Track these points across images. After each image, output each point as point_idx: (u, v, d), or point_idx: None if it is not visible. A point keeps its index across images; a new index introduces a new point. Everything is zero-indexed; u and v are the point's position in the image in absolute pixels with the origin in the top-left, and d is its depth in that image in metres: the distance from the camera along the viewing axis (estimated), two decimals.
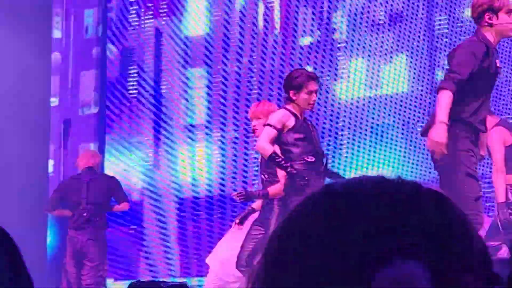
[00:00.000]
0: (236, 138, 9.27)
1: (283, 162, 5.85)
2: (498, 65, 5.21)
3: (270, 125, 5.98)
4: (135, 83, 9.78)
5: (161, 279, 5.74)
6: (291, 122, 6.02)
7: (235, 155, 9.24)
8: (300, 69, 7.22)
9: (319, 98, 9.06)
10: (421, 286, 0.74)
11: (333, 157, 8.73)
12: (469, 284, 0.73)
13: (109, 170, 9.15)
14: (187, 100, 9.64)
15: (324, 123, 8.99)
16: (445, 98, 4.97)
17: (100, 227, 7.60)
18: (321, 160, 6.05)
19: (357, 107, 8.87)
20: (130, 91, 9.82)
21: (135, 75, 9.81)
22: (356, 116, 8.83)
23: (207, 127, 9.47)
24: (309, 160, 5.94)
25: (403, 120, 8.67)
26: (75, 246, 7.48)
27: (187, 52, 9.69)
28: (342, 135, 8.87)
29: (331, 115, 8.99)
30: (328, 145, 8.90)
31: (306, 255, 0.79)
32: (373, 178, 0.84)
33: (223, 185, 9.16)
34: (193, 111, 9.61)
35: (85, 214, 7.48)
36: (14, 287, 0.75)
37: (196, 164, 9.33)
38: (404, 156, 8.48)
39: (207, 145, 9.34)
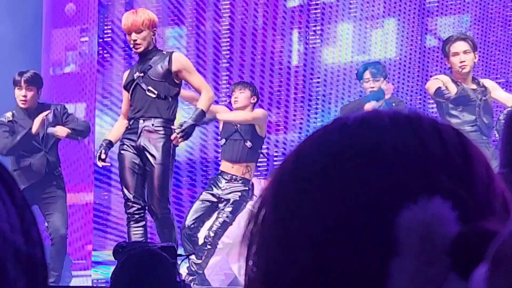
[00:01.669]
0: (216, 102, 9.21)
1: None
2: None
3: None
4: (109, 39, 9.67)
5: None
6: None
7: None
8: None
9: (305, 63, 9.08)
10: (448, 226, 0.69)
11: (322, 122, 8.72)
12: (491, 227, 0.67)
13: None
14: None
15: (310, 88, 8.98)
16: None
17: None
18: None
19: (344, 72, 8.87)
20: (103, 53, 9.70)
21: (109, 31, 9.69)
22: (344, 81, 8.83)
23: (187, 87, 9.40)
24: None
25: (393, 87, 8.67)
26: None
27: (163, 9, 9.58)
28: (329, 100, 8.87)
29: (318, 81, 8.97)
30: (316, 111, 8.89)
31: (321, 197, 0.72)
32: (388, 112, 0.78)
33: (205, 147, 9.12)
34: None
35: None
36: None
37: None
38: None
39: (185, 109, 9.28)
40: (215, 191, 6.91)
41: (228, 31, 9.38)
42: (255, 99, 7.10)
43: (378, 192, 0.71)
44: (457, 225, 0.69)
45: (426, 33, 8.58)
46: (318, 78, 8.99)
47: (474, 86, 6.62)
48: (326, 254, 0.70)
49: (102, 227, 8.97)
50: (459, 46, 6.60)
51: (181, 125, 5.97)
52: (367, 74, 7.06)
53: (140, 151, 5.96)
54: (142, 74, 6.02)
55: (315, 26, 9.04)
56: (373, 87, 7.00)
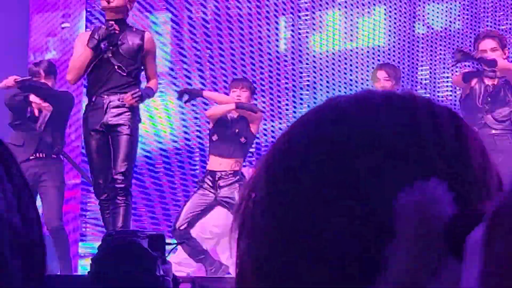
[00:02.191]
0: (203, 85, 9.19)
1: None
2: None
3: None
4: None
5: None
6: None
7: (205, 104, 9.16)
8: None
9: (292, 50, 9.06)
10: (445, 208, 0.68)
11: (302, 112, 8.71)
12: (488, 209, 0.67)
13: None
14: None
15: (300, 76, 8.96)
16: None
17: None
18: None
19: (333, 60, 8.86)
20: None
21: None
22: (333, 70, 8.82)
23: (170, 75, 9.36)
24: None
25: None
26: None
27: None
28: (316, 88, 8.86)
29: (307, 68, 8.96)
30: (303, 99, 8.89)
31: (314, 179, 0.71)
32: (382, 92, 0.77)
33: (187, 133, 9.11)
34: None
35: None
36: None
37: (160, 113, 9.24)
38: None
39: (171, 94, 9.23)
40: (208, 191, 6.92)
41: (213, 18, 9.34)
42: (252, 100, 7.23)
43: (373, 174, 0.70)
44: (453, 206, 0.68)
45: (415, 21, 8.58)
46: (307, 65, 8.98)
47: (495, 81, 6.64)
48: (321, 238, 0.69)
49: (89, 213, 8.96)
50: (487, 44, 6.58)
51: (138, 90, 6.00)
52: (381, 74, 7.03)
53: (108, 128, 5.92)
54: (112, 48, 5.95)
55: (302, 13, 9.02)
56: (383, 87, 6.97)
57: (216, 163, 6.95)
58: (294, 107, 8.97)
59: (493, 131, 6.46)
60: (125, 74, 5.93)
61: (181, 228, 6.80)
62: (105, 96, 5.93)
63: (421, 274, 0.66)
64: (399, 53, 8.59)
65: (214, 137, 7.06)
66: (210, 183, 6.92)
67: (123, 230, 5.53)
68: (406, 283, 0.64)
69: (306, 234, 0.70)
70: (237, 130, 6.97)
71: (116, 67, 5.93)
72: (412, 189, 0.69)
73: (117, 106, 5.94)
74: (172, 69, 9.38)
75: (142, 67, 6.14)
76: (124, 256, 2.83)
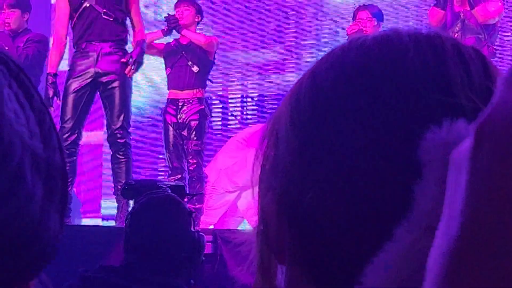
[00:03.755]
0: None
1: None
2: None
3: None
4: None
5: None
6: None
7: None
8: None
9: (308, 1, 8.98)
10: None
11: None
12: None
13: None
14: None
15: (311, 25, 8.90)
16: None
17: None
18: None
19: (352, 8, 8.76)
20: None
21: None
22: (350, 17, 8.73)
23: None
24: None
25: (402, 25, 8.59)
26: None
27: None
28: (335, 40, 8.80)
29: (323, 18, 8.89)
30: (319, 49, 8.83)
31: (340, 118, 0.71)
32: (408, 30, 0.77)
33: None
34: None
35: None
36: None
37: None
38: None
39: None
40: (172, 120, 6.88)
41: None
42: (199, 18, 7.07)
43: (400, 114, 0.70)
44: None
45: None
46: (324, 15, 8.90)
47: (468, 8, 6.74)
48: (347, 177, 0.69)
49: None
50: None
51: (131, 56, 5.94)
52: (363, 14, 7.03)
53: (100, 76, 5.90)
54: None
55: None
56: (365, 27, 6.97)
57: (176, 93, 6.93)
58: (311, 56, 8.91)
59: None
60: (112, 19, 5.90)
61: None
62: (96, 43, 5.89)
63: None
64: (423, 1, 8.49)
65: (167, 71, 7.03)
66: (171, 111, 6.91)
67: (143, 180, 5.57)
68: (432, 221, 0.65)
69: (331, 170, 0.70)
70: (188, 59, 6.92)
71: (102, 14, 5.89)
72: (440, 129, 0.69)
73: (110, 53, 5.91)
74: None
75: (131, 18, 6.10)
76: (164, 213, 2.86)
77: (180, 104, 6.86)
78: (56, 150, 0.70)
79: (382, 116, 0.70)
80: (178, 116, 6.85)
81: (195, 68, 6.89)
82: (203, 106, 6.87)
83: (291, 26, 9.04)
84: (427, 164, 0.68)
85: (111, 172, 6.18)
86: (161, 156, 8.81)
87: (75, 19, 5.96)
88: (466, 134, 0.69)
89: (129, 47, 6.10)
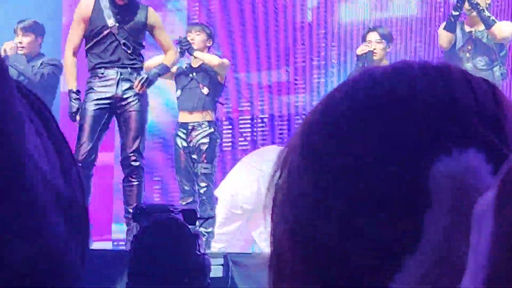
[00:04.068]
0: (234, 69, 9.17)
1: None
2: None
3: None
4: None
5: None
6: None
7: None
8: None
9: (318, 20, 8.99)
10: (482, 179, 0.69)
11: (333, 85, 8.65)
12: None
13: None
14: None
15: (325, 47, 8.91)
16: None
17: None
18: None
19: (362, 30, 8.77)
20: None
21: None
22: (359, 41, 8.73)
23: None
24: None
25: (412, 46, 8.59)
26: None
27: None
28: (344, 61, 8.80)
29: (332, 39, 8.89)
30: (329, 71, 8.83)
31: (351, 148, 0.72)
32: (418, 62, 0.78)
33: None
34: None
35: None
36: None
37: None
38: None
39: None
40: (182, 144, 6.92)
41: None
42: (211, 42, 7.14)
43: (410, 143, 0.71)
44: (492, 177, 0.69)
45: None
46: (334, 36, 8.90)
47: (480, 28, 6.73)
48: (359, 207, 0.70)
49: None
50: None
51: (146, 75, 6.07)
52: (373, 36, 7.06)
53: (118, 100, 5.97)
54: (118, 25, 5.96)
55: None
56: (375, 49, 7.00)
57: (186, 116, 6.97)
58: (320, 77, 8.91)
59: None
60: (130, 51, 5.99)
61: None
62: (115, 69, 5.96)
63: (458, 245, 0.66)
64: (432, 22, 8.48)
65: (178, 93, 7.07)
66: (182, 135, 6.95)
67: (155, 204, 5.59)
68: (443, 253, 0.65)
69: (343, 199, 0.71)
70: (198, 81, 6.96)
71: (123, 45, 5.97)
72: (450, 158, 0.70)
73: (128, 79, 6.00)
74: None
75: (159, 43, 6.24)
76: (168, 235, 2.87)
77: (190, 127, 6.89)
78: (76, 186, 0.70)
79: (392, 147, 0.71)
80: (189, 140, 6.87)
81: (205, 90, 6.92)
82: (213, 130, 6.90)
83: (300, 46, 9.06)
84: (437, 194, 0.69)
85: (121, 192, 6.22)
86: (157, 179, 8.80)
87: (92, 43, 6.02)
88: (476, 164, 0.70)
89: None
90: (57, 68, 7.20)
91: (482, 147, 0.71)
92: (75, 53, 6.06)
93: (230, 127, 9.11)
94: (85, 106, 6.02)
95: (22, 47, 7.14)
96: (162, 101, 9.03)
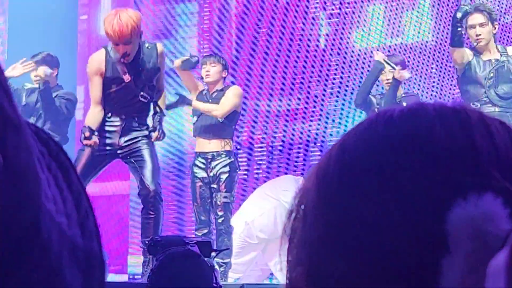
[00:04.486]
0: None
1: None
2: None
3: None
4: None
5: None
6: None
7: None
8: None
9: (332, 47, 8.98)
10: (500, 224, 0.69)
11: (348, 112, 8.65)
12: None
13: None
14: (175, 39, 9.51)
15: (336, 73, 8.89)
16: None
17: None
18: None
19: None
20: None
21: None
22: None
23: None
24: None
25: (427, 73, 8.57)
26: None
27: None
28: (358, 87, 8.76)
29: (343, 66, 8.89)
30: (343, 97, 8.81)
31: (368, 192, 0.73)
32: (434, 104, 0.79)
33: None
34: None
35: None
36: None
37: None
38: None
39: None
40: (201, 174, 6.93)
41: (244, 10, 9.23)
42: (226, 73, 7.13)
43: (427, 188, 0.72)
44: (509, 222, 0.69)
45: None
46: (347, 62, 8.89)
47: (496, 56, 6.65)
48: (375, 250, 0.71)
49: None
50: (476, 19, 6.60)
51: (154, 127, 6.08)
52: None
53: (121, 148, 6.02)
54: (134, 77, 5.98)
55: (344, 7, 8.93)
56: (389, 80, 7.06)
57: (204, 144, 6.99)
58: (335, 106, 8.88)
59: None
60: (147, 101, 6.03)
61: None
62: (123, 117, 6.00)
63: None
64: (447, 48, 8.44)
65: (194, 119, 7.10)
66: (201, 165, 6.97)
67: (169, 236, 5.59)
68: None
69: (359, 245, 0.72)
70: None
71: (140, 97, 6.00)
72: (467, 203, 0.70)
73: (134, 129, 6.04)
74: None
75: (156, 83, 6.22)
76: (184, 268, 2.87)
77: (209, 157, 6.91)
78: (93, 237, 0.71)
79: (410, 190, 0.72)
80: (208, 170, 6.89)
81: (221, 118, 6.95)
82: (232, 159, 6.91)
83: (315, 74, 9.06)
84: (454, 238, 0.69)
85: (137, 222, 6.23)
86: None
87: (108, 91, 6.02)
88: (494, 208, 0.70)
89: None
90: (71, 102, 7.41)
91: (500, 192, 0.71)
92: (99, 104, 6.03)
93: (246, 155, 9.10)
94: (84, 145, 6.05)
95: (37, 81, 7.26)
96: (178, 128, 9.04)
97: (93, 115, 6.04)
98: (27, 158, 0.63)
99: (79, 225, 0.70)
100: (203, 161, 6.93)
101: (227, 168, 6.84)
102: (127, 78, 5.97)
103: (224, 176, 6.82)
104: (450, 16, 8.35)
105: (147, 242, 5.64)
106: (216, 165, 6.86)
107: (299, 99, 9.09)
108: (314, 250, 0.74)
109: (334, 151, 0.78)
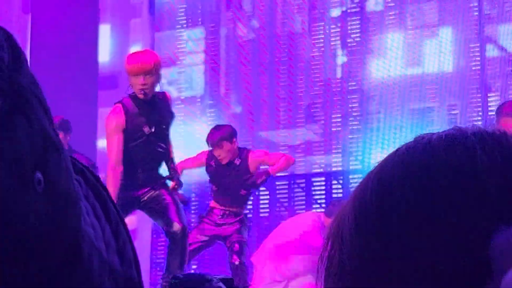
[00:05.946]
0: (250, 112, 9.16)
1: None
2: None
3: None
4: None
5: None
6: None
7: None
8: None
9: (349, 77, 8.97)
10: None
11: (364, 143, 8.63)
12: None
13: None
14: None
15: (357, 104, 8.87)
16: None
17: None
18: None
19: (393, 87, 8.75)
20: None
21: None
22: (392, 98, 8.71)
23: (204, 98, 9.38)
24: None
25: (448, 104, 8.55)
26: None
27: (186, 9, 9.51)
28: (374, 118, 8.76)
29: (362, 96, 8.87)
30: (358, 130, 8.79)
31: (407, 219, 0.74)
32: (473, 129, 0.80)
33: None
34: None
35: None
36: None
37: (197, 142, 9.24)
38: None
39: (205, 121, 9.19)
40: (208, 227, 7.03)
41: (256, 37, 9.26)
42: (236, 141, 7.04)
43: (468, 215, 0.73)
44: None
45: (485, 43, 8.42)
46: (365, 92, 8.88)
47: None
48: (416, 281, 0.72)
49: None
50: None
51: (171, 176, 6.16)
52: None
53: (139, 199, 6.10)
54: (154, 129, 6.03)
55: (361, 36, 8.94)
56: None
57: (219, 205, 7.11)
58: (352, 139, 8.85)
59: None
60: (164, 150, 6.08)
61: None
62: (139, 171, 6.04)
63: None
64: (468, 79, 8.43)
65: (214, 187, 7.16)
66: (211, 219, 7.06)
67: (190, 274, 5.59)
68: None
69: (400, 273, 0.72)
70: (235, 183, 7.02)
71: (158, 147, 6.05)
72: (509, 230, 0.71)
73: (153, 179, 6.10)
74: (206, 92, 9.38)
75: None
76: None
77: (220, 214, 7.02)
78: (132, 264, 0.73)
79: (452, 218, 0.73)
80: (218, 228, 7.00)
81: (242, 192, 7.01)
82: (242, 223, 6.99)
83: (332, 103, 9.03)
84: (497, 264, 0.70)
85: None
86: None
87: (130, 143, 6.03)
88: None
89: None
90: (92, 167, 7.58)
91: None
92: (120, 164, 5.98)
93: (267, 192, 9.07)
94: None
95: None
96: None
97: (114, 180, 5.95)
98: (68, 180, 0.65)
99: (118, 253, 0.72)
100: (213, 218, 7.06)
101: (238, 225, 6.96)
102: (147, 130, 6.00)
103: (233, 230, 6.94)
104: (470, 45, 8.38)
105: (169, 280, 5.64)
106: (227, 223, 6.99)
107: (307, 124, 9.05)
108: (352, 280, 0.75)
109: (371, 178, 0.79)
